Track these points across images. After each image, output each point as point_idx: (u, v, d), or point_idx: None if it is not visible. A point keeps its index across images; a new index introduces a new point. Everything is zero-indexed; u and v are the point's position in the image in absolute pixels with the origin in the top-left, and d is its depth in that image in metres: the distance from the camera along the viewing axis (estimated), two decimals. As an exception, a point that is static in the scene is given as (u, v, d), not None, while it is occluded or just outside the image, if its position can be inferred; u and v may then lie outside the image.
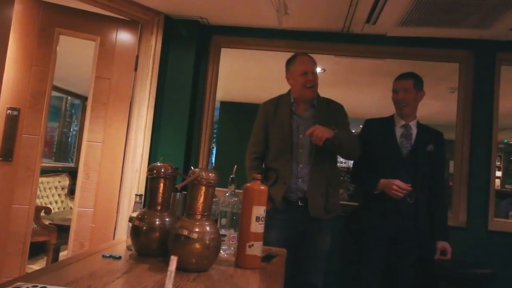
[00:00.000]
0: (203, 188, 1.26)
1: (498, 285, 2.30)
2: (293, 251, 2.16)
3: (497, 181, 9.33)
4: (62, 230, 3.39)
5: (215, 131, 6.64)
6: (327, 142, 2.06)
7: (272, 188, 2.16)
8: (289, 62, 2.29)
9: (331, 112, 2.25)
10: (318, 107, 2.25)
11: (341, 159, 5.34)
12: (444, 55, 2.85)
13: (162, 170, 1.42)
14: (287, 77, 2.29)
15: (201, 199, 1.26)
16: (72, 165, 5.71)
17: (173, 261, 0.67)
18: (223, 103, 6.33)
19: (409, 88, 2.27)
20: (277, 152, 2.24)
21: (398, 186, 2.14)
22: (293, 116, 2.24)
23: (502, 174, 9.88)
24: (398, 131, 2.32)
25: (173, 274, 0.67)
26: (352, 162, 2.57)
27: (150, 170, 1.44)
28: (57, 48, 2.56)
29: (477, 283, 2.28)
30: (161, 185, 1.42)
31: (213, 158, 6.80)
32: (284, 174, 2.18)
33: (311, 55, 2.27)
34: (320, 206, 2.16)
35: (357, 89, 4.83)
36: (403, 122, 2.33)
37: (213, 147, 6.87)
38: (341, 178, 5.04)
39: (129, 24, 2.77)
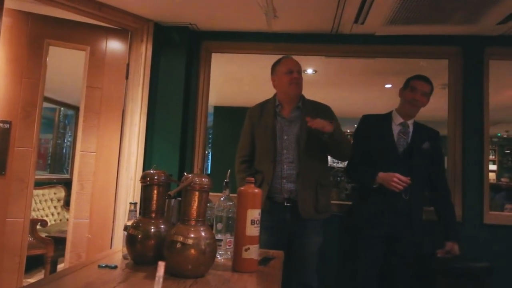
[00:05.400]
0: (197, 193, 1.26)
1: (495, 278, 2.31)
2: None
3: (493, 175, 9.38)
4: (60, 242, 3.36)
5: (210, 136, 6.63)
6: (326, 136, 2.05)
7: None
8: (274, 65, 2.34)
9: (319, 114, 2.16)
10: (303, 108, 2.26)
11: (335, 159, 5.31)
12: (433, 52, 2.87)
13: (155, 178, 1.42)
14: (272, 78, 2.33)
15: (195, 204, 1.26)
16: (67, 176, 5.68)
17: (161, 266, 0.67)
18: (216, 108, 6.32)
19: (427, 92, 2.29)
20: (261, 154, 2.28)
21: (398, 178, 2.15)
22: (277, 118, 2.27)
23: (497, 167, 9.94)
24: (396, 129, 2.33)
25: (161, 280, 0.67)
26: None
27: (143, 177, 1.44)
28: (47, 59, 2.56)
29: (475, 277, 2.29)
30: (155, 192, 1.42)
31: (209, 163, 6.79)
32: (268, 174, 2.21)
33: (302, 56, 2.29)
34: (310, 206, 2.16)
35: (348, 89, 4.85)
36: (401, 120, 2.33)
37: (209, 152, 6.86)
38: (337, 178, 5.06)
39: (118, 32, 2.77)
